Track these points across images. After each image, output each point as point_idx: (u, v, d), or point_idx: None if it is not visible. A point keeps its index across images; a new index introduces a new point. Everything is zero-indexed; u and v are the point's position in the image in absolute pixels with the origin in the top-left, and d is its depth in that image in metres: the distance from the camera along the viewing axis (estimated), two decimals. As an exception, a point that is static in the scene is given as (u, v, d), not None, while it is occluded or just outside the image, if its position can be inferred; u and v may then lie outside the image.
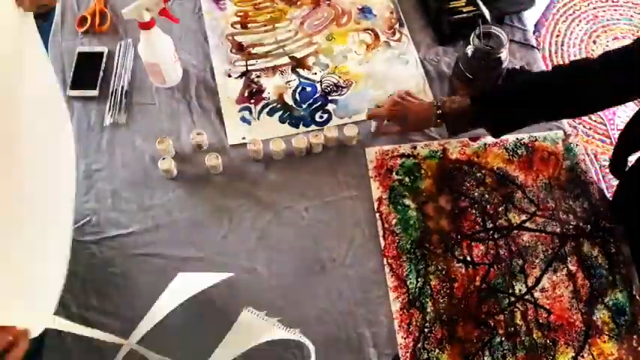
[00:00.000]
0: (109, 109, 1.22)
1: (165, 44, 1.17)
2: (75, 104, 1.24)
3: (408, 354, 1.01)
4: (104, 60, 1.27)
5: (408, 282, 1.06)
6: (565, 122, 1.25)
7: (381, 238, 1.10)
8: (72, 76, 1.25)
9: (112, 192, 1.15)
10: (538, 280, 1.07)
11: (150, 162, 1.17)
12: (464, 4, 1.31)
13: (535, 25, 2.21)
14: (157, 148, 1.15)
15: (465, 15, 1.30)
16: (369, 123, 1.20)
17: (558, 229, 1.11)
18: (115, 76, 1.26)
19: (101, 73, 1.26)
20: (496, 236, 1.11)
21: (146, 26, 1.11)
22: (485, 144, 1.20)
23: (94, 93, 1.24)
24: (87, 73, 1.25)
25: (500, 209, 1.13)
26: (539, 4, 1.96)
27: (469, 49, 1.16)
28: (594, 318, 1.04)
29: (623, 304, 1.06)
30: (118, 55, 1.29)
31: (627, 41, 2.20)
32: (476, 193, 1.15)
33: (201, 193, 1.15)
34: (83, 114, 1.23)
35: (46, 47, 1.31)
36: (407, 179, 1.16)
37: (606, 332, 1.03)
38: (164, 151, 1.15)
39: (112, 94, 1.24)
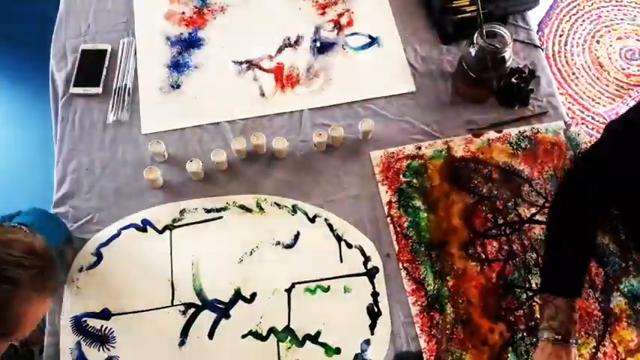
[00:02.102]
0: (112, 107, 1.22)
1: None
2: (78, 102, 1.24)
3: (432, 357, 1.00)
4: (107, 57, 1.27)
5: (426, 284, 1.06)
6: (564, 112, 1.25)
7: (394, 242, 1.10)
8: (75, 73, 1.25)
9: (115, 189, 1.15)
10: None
11: (152, 160, 1.18)
12: (467, 3, 1.31)
13: (538, 25, 2.20)
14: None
15: (468, 14, 1.30)
16: (376, 122, 1.20)
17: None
18: (119, 73, 1.26)
19: (104, 71, 1.26)
20: (508, 231, 1.10)
21: None
22: (488, 139, 1.20)
23: (98, 90, 1.24)
24: (90, 70, 1.26)
25: (509, 204, 1.13)
26: (543, 3, 1.95)
27: (473, 49, 1.16)
28: (611, 306, 1.04)
29: (638, 290, 1.05)
30: (122, 53, 1.29)
31: (631, 41, 2.20)
32: (484, 190, 1.14)
33: (205, 191, 1.15)
34: (86, 111, 1.23)
35: (50, 45, 1.31)
36: (415, 180, 1.15)
37: (624, 319, 1.03)
38: (196, 174, 1.14)
39: (115, 92, 1.24)
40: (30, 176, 1.90)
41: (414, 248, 1.09)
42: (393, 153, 1.18)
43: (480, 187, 1.15)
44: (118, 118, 1.21)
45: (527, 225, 1.11)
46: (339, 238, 1.09)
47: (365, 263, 1.07)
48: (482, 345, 1.01)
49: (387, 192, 1.14)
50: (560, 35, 2.21)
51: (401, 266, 1.07)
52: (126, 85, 1.24)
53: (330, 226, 1.10)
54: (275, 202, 1.12)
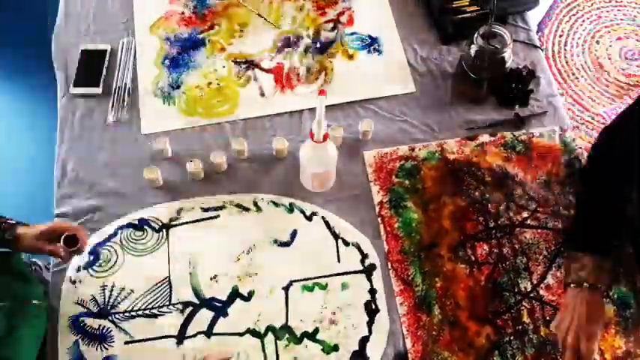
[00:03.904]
0: (112, 107, 1.22)
1: (334, 152, 1.07)
2: (78, 102, 1.24)
3: (417, 358, 1.00)
4: (107, 57, 1.28)
5: (414, 285, 1.06)
6: (564, 112, 1.25)
7: (384, 243, 1.10)
8: (75, 73, 1.26)
9: (114, 189, 1.15)
10: (542, 276, 1.07)
11: (151, 160, 1.18)
12: (467, 3, 1.31)
13: (538, 25, 2.21)
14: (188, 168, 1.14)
15: (468, 14, 1.30)
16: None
17: (560, 225, 1.11)
18: (118, 73, 1.26)
19: (104, 71, 1.26)
20: (499, 235, 1.10)
21: (322, 140, 1.00)
22: (482, 142, 1.20)
23: (98, 90, 1.24)
24: (90, 70, 1.26)
25: (501, 207, 1.13)
26: (543, 3, 1.95)
27: (473, 49, 1.16)
28: None
29: (627, 297, 1.05)
30: (121, 53, 1.29)
31: (631, 41, 2.20)
32: (476, 193, 1.14)
33: (202, 191, 1.15)
34: (86, 111, 1.23)
35: (50, 45, 1.31)
36: (407, 182, 1.15)
37: (613, 326, 1.03)
38: (195, 174, 1.15)
39: (115, 92, 1.24)
40: (30, 176, 1.90)
41: (404, 249, 1.09)
42: (386, 153, 1.18)
43: (472, 189, 1.15)
44: (118, 118, 1.22)
45: (518, 229, 1.11)
46: (336, 236, 1.10)
47: (362, 261, 1.08)
48: (468, 347, 1.01)
49: (378, 192, 1.14)
50: (560, 35, 2.21)
51: (390, 266, 1.08)
52: (126, 84, 1.25)
53: (327, 224, 1.11)
54: (272, 201, 1.12)
